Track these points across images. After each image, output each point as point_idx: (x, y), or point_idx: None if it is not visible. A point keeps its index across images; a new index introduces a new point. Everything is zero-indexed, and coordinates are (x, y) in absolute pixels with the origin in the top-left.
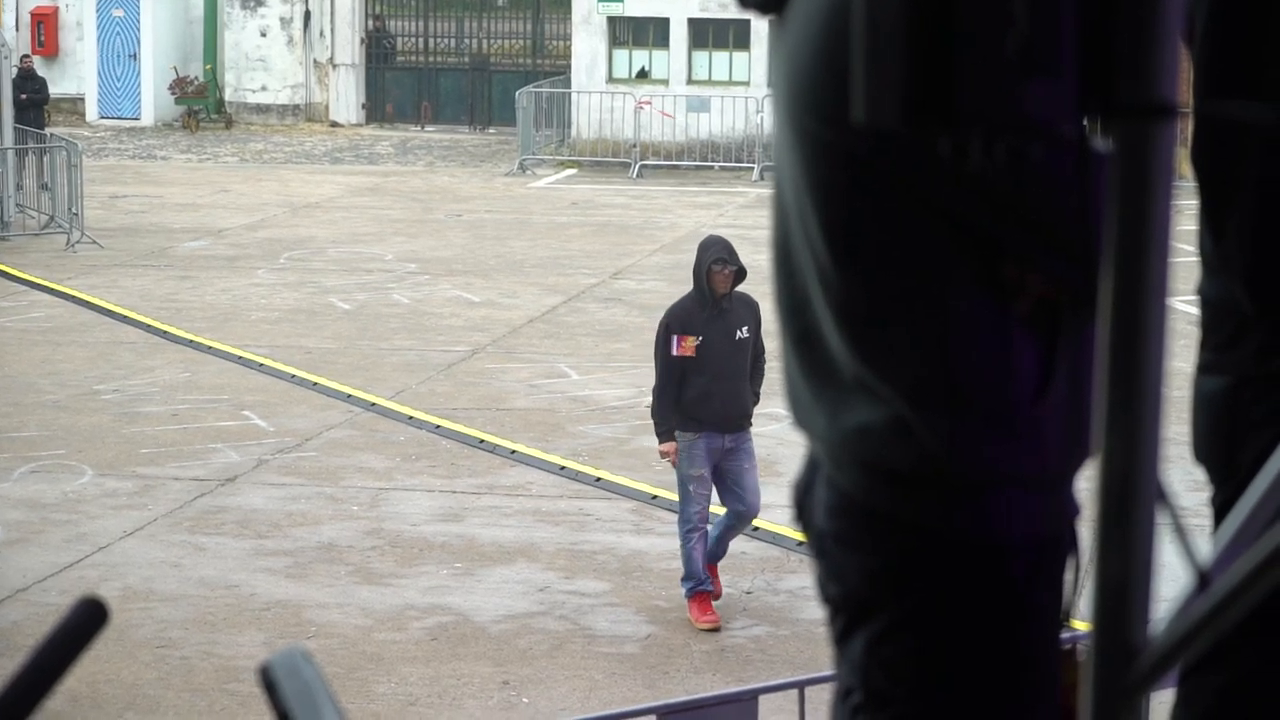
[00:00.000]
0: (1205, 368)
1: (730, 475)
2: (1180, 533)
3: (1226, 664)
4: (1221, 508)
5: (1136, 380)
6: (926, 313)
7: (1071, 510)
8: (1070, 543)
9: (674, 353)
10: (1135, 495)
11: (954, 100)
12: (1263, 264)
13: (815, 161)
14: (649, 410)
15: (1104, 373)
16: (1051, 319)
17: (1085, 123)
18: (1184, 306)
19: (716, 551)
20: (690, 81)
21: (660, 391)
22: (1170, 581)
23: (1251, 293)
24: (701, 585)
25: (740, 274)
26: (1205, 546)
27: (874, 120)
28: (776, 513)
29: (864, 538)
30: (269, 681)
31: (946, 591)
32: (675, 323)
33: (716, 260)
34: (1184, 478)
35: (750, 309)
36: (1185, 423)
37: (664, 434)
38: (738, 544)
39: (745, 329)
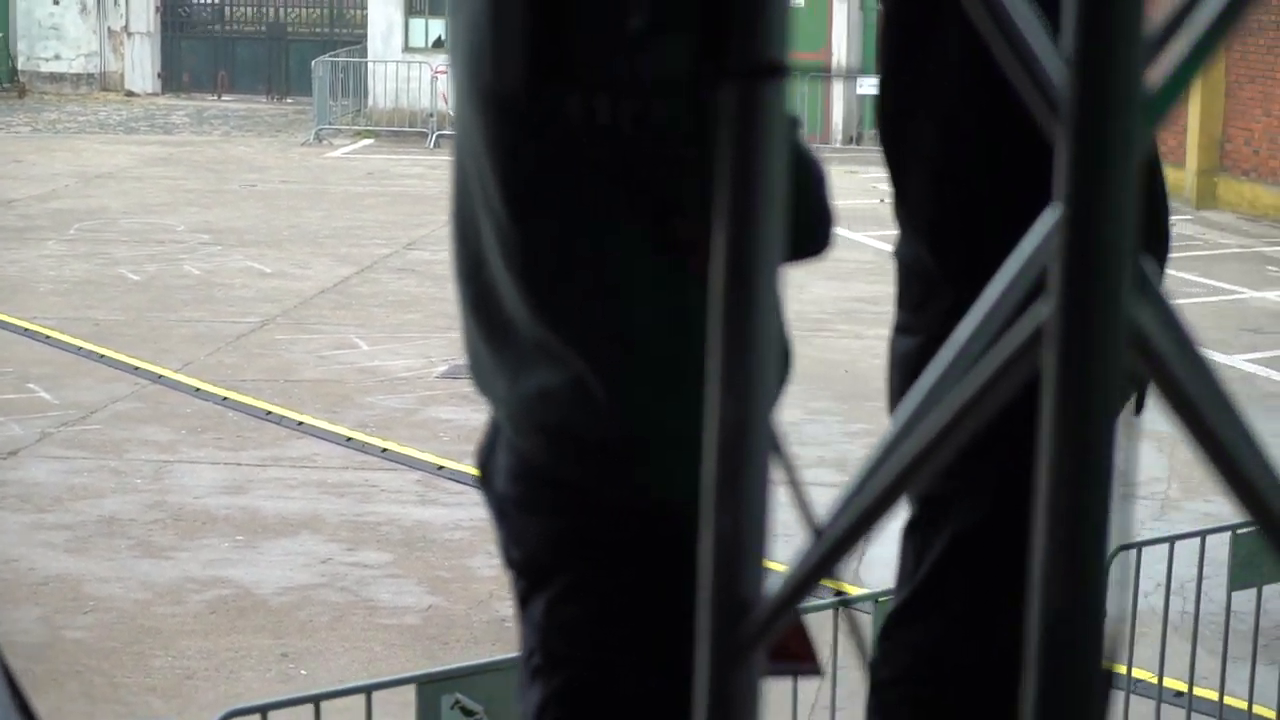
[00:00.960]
0: (900, 328)
1: None
2: (796, 489)
3: (923, 623)
4: None
5: (747, 337)
6: (602, 271)
7: None
8: None
9: None
10: (746, 452)
11: (572, 63)
12: (944, 226)
13: (491, 121)
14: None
15: (714, 329)
16: None
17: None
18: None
19: None
20: None
21: None
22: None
23: (935, 254)
24: None
25: None
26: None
27: (499, 82)
28: None
29: (542, 501)
30: None
31: (623, 554)
32: None
33: None
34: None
35: None
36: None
37: None
38: None
39: None
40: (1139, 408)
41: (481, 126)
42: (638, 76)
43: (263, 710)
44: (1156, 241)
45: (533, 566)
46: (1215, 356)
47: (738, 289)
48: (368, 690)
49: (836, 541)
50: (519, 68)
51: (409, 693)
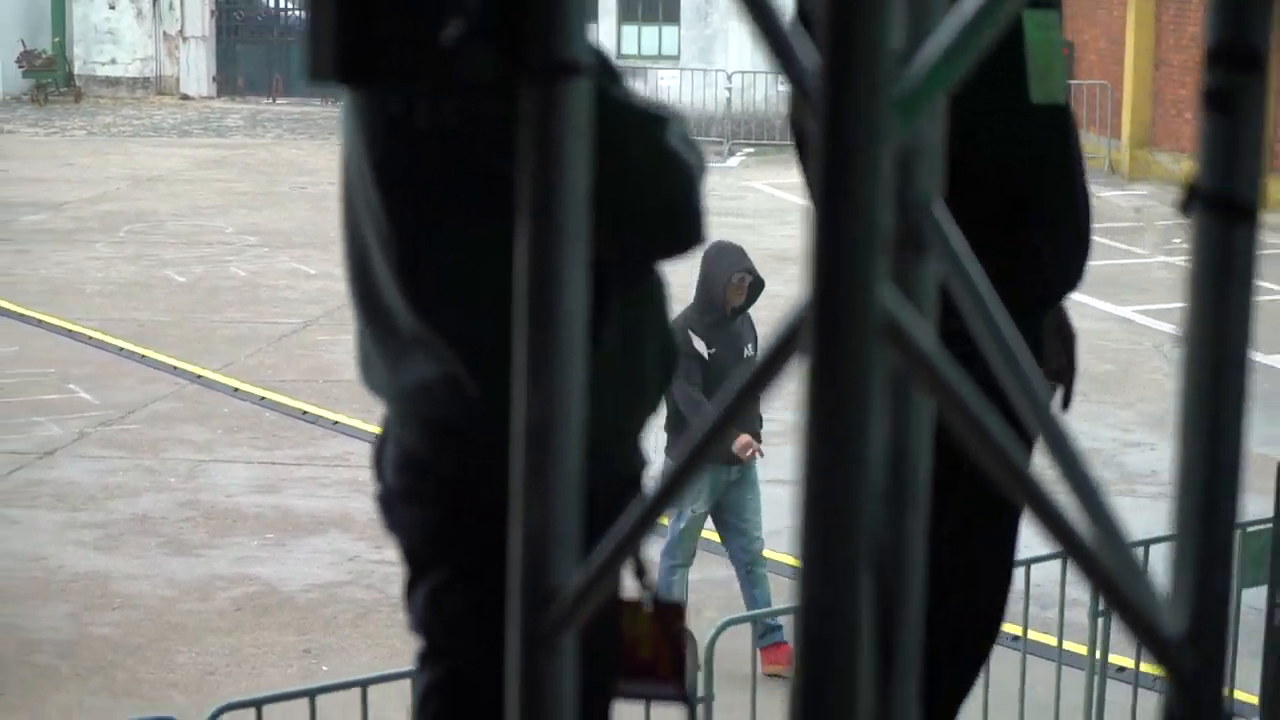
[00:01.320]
0: None
1: (732, 509)
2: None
3: None
4: None
5: (552, 332)
6: (471, 268)
7: (633, 464)
8: (630, 498)
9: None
10: (554, 445)
11: (382, 58)
12: None
13: (366, 123)
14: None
15: (520, 325)
16: (601, 274)
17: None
18: None
19: (759, 614)
20: None
21: (684, 388)
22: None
23: None
24: None
25: (757, 285)
26: None
27: (315, 75)
28: None
29: (423, 494)
30: None
31: (498, 548)
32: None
33: (740, 271)
34: None
35: (750, 326)
36: None
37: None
38: None
39: (751, 346)
40: (1065, 403)
41: (358, 128)
42: (451, 77)
43: (257, 704)
44: (1076, 242)
45: (415, 557)
46: (1256, 357)
47: (540, 288)
48: (363, 685)
49: (630, 531)
50: (330, 62)
51: (406, 686)
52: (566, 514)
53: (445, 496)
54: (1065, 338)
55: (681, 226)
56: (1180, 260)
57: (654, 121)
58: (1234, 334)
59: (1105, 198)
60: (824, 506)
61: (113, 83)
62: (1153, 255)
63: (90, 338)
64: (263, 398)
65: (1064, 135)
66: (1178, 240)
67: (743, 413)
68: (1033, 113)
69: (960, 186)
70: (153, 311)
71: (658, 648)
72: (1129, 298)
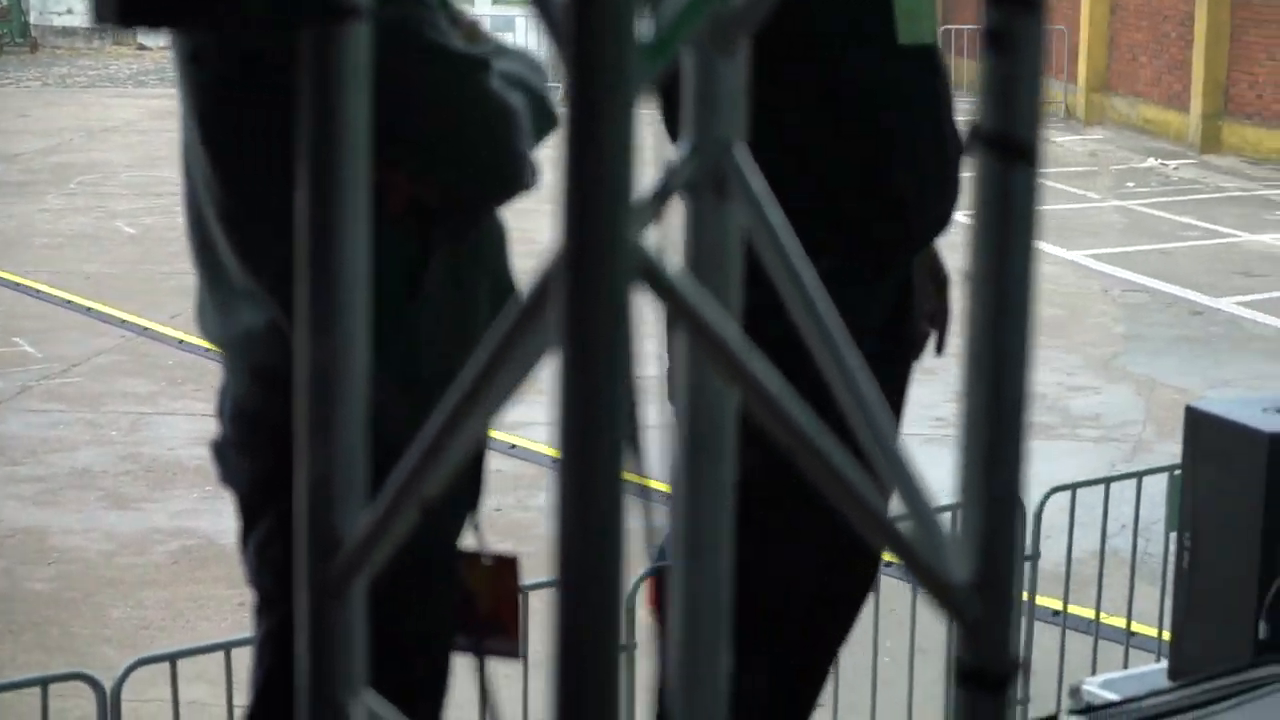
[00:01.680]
0: None
1: None
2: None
3: None
4: None
5: (333, 280)
6: (290, 214)
7: None
8: None
9: None
10: (337, 392)
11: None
12: None
13: (189, 74)
14: None
15: (300, 272)
16: (426, 219)
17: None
18: None
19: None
20: (496, 1)
21: None
22: None
23: None
24: None
25: None
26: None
27: (99, 17)
28: (535, 430)
29: (253, 443)
30: None
31: None
32: None
33: None
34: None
35: None
36: None
37: None
38: (493, 461)
39: None
40: (939, 348)
41: (181, 74)
42: (233, 20)
43: (172, 658)
44: (941, 186)
45: (246, 507)
46: (1203, 300)
47: (320, 235)
48: None
49: (411, 474)
50: (111, 3)
51: None
52: (351, 460)
53: (273, 445)
54: (939, 281)
55: (504, 172)
56: (1135, 204)
57: (472, 64)
58: (1015, 277)
59: (1061, 142)
60: (576, 459)
61: (69, 33)
62: (1106, 199)
63: (37, 290)
64: (208, 349)
65: (933, 77)
66: (1131, 184)
67: (504, 360)
68: (902, 54)
69: (825, 127)
70: (101, 263)
71: (495, 602)
72: (1081, 242)
